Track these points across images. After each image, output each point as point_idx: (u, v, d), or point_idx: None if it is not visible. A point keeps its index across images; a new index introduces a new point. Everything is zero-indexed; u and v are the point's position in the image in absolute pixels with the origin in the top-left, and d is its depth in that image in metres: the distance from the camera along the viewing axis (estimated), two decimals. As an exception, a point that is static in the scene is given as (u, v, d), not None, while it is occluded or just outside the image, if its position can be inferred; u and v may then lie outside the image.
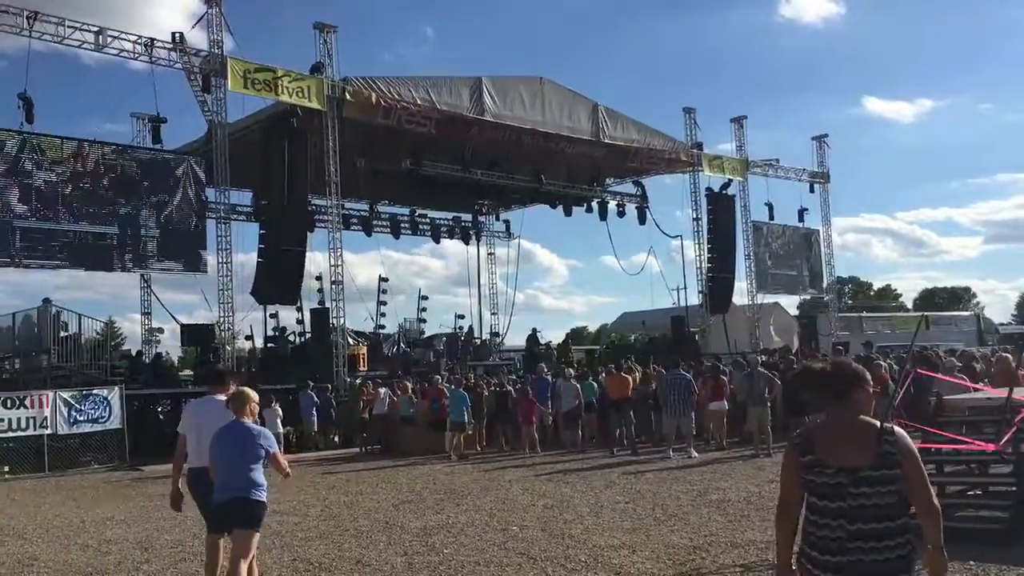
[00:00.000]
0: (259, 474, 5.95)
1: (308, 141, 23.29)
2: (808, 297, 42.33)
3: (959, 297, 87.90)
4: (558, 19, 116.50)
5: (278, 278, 22.85)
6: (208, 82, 22.12)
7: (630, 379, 17.04)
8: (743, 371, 17.34)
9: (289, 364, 25.42)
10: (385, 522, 9.67)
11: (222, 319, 21.88)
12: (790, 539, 3.39)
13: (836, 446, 3.24)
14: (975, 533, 6.91)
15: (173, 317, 25.48)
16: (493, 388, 19.28)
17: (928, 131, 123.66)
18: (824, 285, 38.58)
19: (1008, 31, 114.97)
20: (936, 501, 3.28)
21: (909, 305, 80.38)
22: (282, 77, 22.36)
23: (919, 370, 9.57)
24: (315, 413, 20.06)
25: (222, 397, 6.50)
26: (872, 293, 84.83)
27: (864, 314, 47.33)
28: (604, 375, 18.33)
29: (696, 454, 14.64)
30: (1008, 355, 14.60)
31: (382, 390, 19.68)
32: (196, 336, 23.19)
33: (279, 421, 17.26)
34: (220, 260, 22.10)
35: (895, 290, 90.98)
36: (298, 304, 28.06)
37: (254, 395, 6.26)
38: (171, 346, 32.76)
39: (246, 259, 24.01)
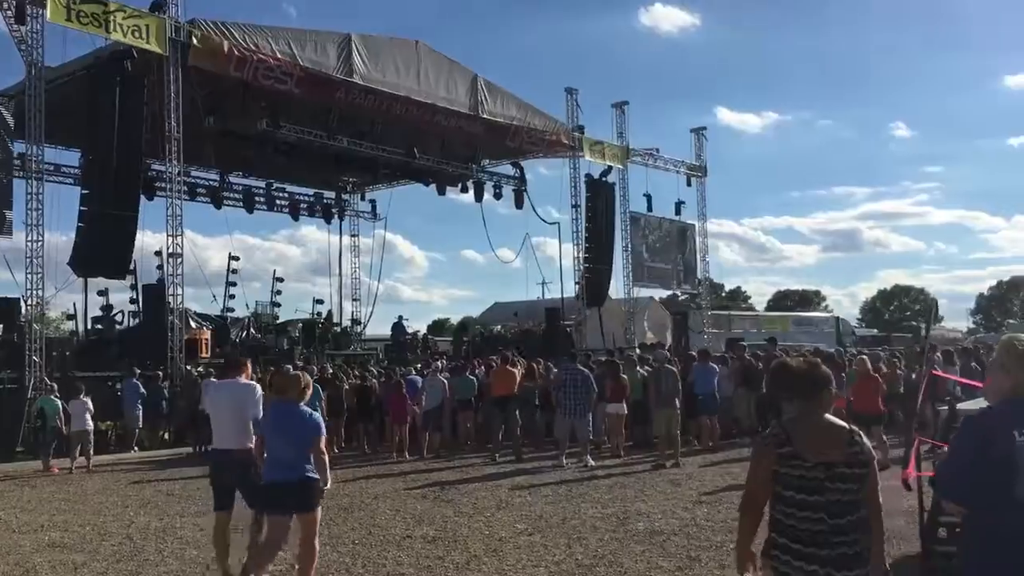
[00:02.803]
0: (309, 454, 5.90)
1: (144, 91, 20.02)
2: (678, 292, 41.71)
3: (809, 300, 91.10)
4: (429, 11, 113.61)
5: (103, 247, 19.46)
6: (23, 11, 18.44)
7: (517, 373, 14.85)
8: (634, 368, 15.58)
9: (115, 348, 22.05)
10: (206, 564, 7.08)
11: (29, 293, 18.35)
12: (754, 531, 3.47)
13: (813, 441, 3.37)
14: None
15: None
16: (352, 381, 16.77)
17: (773, 143, 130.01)
18: (697, 280, 37.74)
19: (847, 53, 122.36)
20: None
21: (758, 307, 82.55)
22: (115, 12, 18.95)
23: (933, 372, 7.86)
24: (140, 406, 16.95)
25: (243, 379, 6.74)
26: (724, 294, 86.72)
27: (732, 312, 47.24)
28: (485, 369, 16.14)
29: (592, 462, 12.63)
30: (865, 357, 13.61)
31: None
32: (-8, 312, 19.48)
33: (88, 416, 14.16)
34: (29, 222, 18.54)
35: (744, 292, 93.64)
36: (133, 282, 24.59)
37: (306, 377, 6.33)
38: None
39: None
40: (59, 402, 14.63)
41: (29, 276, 18.28)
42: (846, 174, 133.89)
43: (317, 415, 6.11)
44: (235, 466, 6.36)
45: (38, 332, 18.16)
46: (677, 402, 12.89)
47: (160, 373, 18.44)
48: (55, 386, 15.56)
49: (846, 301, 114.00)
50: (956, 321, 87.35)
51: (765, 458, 3.40)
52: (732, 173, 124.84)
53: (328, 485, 6.02)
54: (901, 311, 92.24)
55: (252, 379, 7.18)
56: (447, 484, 11.11)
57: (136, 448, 16.86)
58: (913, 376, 16.19)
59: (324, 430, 6.06)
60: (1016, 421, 2.94)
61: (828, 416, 3.45)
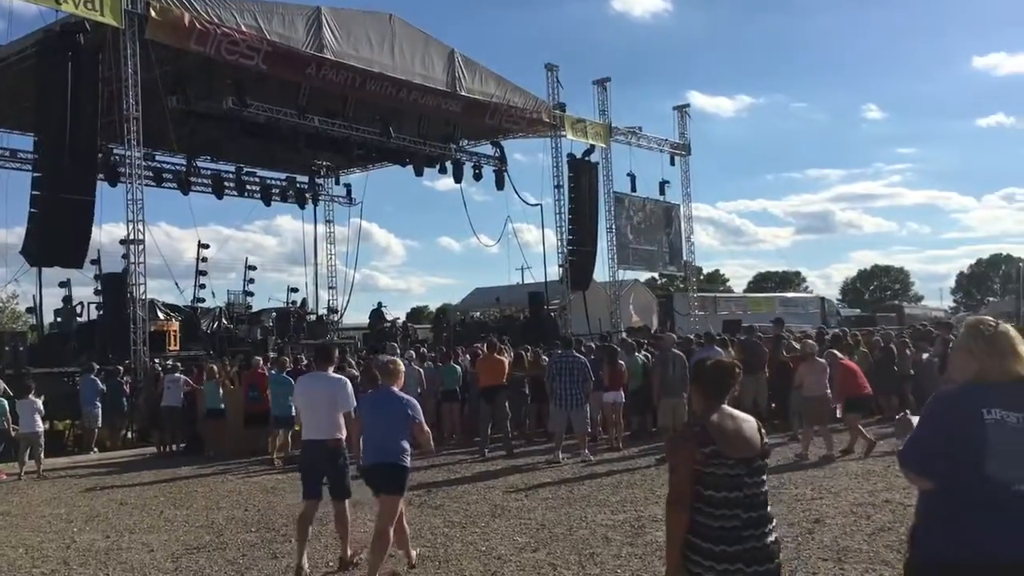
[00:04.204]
0: (405, 441, 6.10)
1: (99, 68, 18.74)
2: (655, 276, 40.86)
3: (790, 281, 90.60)
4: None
5: (58, 235, 18.24)
6: (-36, -19, 17.18)
7: (505, 361, 13.77)
8: (633, 352, 14.58)
9: (74, 342, 20.82)
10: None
11: (-23, 284, 17.11)
12: (685, 529, 3.36)
13: (733, 438, 3.37)
14: None
15: None
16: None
17: (746, 126, 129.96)
18: (683, 262, 36.80)
19: (819, 36, 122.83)
20: None
21: (737, 289, 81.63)
22: (65, -18, 17.66)
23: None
24: (99, 403, 15.74)
25: (331, 372, 6.94)
26: (703, 277, 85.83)
27: (718, 294, 46.44)
28: (470, 357, 15.07)
29: (592, 456, 11.63)
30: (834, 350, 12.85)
31: (179, 375, 15.56)
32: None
33: (38, 417, 12.90)
34: (-24, 210, 17.30)
35: (723, 275, 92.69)
36: (97, 273, 23.36)
37: (401, 365, 6.59)
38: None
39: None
40: (5, 402, 13.41)
41: (-23, 267, 17.07)
42: (819, 156, 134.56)
43: (413, 401, 6.24)
44: (326, 456, 6.55)
45: (-12, 326, 16.92)
46: (684, 391, 11.88)
47: (121, 368, 17.19)
48: (3, 385, 14.32)
49: (820, 282, 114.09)
50: (932, 300, 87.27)
51: (687, 454, 3.35)
52: (707, 157, 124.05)
53: (432, 448, 6.67)
54: (881, 291, 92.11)
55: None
56: (433, 486, 10.02)
57: (96, 449, 15.69)
58: (924, 356, 15.36)
59: (420, 414, 6.18)
60: (984, 400, 2.93)
61: (734, 410, 3.49)
